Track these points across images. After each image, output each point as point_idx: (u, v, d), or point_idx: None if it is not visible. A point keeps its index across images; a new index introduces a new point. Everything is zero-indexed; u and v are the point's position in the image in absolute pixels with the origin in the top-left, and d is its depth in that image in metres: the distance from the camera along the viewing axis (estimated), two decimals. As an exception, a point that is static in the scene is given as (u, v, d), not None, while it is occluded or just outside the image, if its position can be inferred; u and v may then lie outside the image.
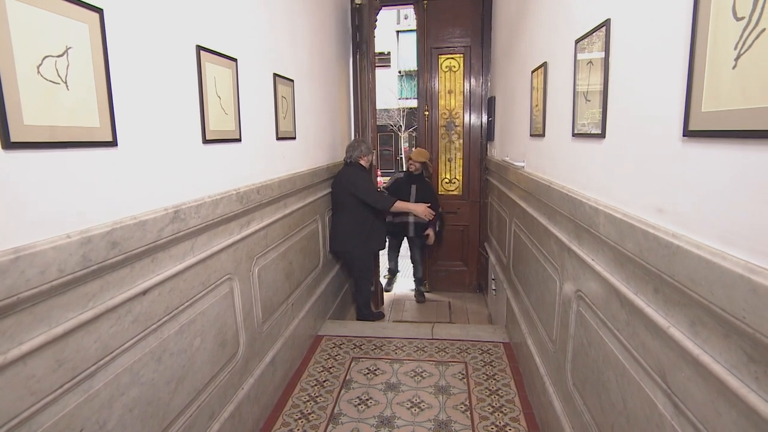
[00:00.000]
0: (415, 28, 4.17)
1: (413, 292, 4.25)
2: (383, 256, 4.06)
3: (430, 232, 3.87)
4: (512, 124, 2.83)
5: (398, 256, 4.34)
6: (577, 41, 1.51)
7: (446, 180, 4.25)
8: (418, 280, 4.19)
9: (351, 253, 3.21)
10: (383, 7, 3.88)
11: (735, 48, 0.72)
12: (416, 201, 3.66)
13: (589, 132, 1.41)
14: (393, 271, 4.46)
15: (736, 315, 0.70)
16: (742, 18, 0.71)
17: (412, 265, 4.24)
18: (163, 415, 1.33)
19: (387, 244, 3.84)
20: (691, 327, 0.86)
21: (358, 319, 3.45)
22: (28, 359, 0.89)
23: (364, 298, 3.39)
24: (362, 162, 3.17)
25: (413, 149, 3.83)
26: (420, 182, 3.83)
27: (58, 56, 0.95)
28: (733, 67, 0.73)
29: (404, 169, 4.05)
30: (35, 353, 0.91)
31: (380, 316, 3.61)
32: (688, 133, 0.86)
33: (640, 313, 1.03)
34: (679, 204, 0.91)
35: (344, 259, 3.40)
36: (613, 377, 1.19)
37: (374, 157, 3.43)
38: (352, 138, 3.99)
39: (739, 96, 0.72)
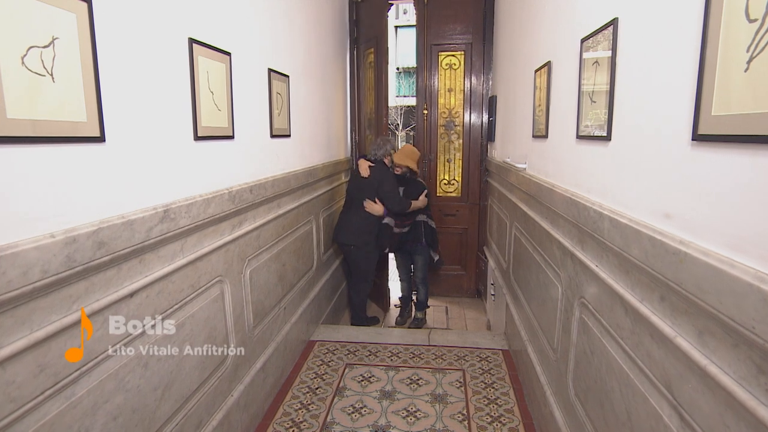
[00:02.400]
0: (414, 23, 4.11)
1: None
2: (391, 269, 3.93)
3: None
4: (514, 124, 2.80)
5: (410, 280, 3.73)
6: (583, 40, 1.48)
7: (445, 181, 4.21)
8: (420, 304, 3.65)
9: (360, 249, 3.18)
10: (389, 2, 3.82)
11: (747, 51, 0.71)
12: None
13: (594, 134, 1.39)
14: (406, 299, 3.77)
15: (746, 325, 0.69)
16: (755, 20, 0.69)
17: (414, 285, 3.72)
18: (148, 423, 1.29)
19: (396, 263, 3.72)
20: (698, 337, 0.84)
21: (352, 322, 3.40)
22: (8, 364, 0.86)
23: (361, 299, 3.34)
24: (386, 161, 3.24)
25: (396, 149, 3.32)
26: (407, 184, 3.38)
27: (44, 47, 0.91)
28: (745, 70, 0.72)
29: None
30: (16, 358, 0.87)
31: (375, 321, 3.58)
32: (697, 137, 0.84)
33: (646, 322, 1.00)
34: (687, 210, 0.89)
35: (348, 253, 3.27)
36: (616, 387, 1.17)
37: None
38: (349, 137, 3.96)
39: (751, 100, 0.71)
